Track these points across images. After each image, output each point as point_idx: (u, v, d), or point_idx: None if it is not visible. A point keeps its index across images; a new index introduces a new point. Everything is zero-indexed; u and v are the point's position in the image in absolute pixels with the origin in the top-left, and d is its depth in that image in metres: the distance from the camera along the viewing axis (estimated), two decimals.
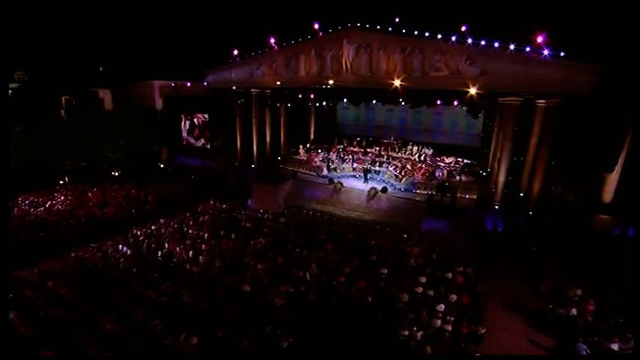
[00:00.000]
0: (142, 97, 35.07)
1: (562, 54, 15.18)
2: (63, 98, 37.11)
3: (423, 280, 13.29)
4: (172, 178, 28.99)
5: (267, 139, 26.31)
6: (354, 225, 19.51)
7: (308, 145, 25.87)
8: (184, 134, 31.69)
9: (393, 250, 15.56)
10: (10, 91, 36.69)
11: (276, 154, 26.16)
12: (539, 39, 15.01)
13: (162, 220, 19.67)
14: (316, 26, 19.34)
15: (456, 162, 22.81)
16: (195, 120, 31.02)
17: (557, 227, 17.27)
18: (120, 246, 16.81)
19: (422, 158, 23.86)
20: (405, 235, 17.95)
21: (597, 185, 17.43)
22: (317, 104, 27.13)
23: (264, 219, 19.51)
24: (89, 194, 24.53)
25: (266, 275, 14.07)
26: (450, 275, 13.53)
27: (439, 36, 16.45)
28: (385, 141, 26.24)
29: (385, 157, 24.52)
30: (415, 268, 14.18)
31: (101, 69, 41.42)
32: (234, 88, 25.27)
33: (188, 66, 29.45)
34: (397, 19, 17.59)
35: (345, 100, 24.19)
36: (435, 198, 19.20)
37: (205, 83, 27.00)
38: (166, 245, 16.69)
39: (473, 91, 16.33)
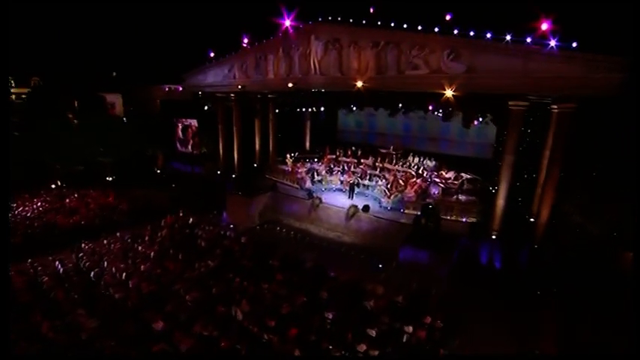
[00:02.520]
0: (149, 102, 34.50)
1: (574, 44, 11.68)
2: (74, 102, 37.29)
3: (373, 333, 10.41)
4: (162, 185, 27.66)
5: (257, 146, 24.21)
6: (325, 248, 16.83)
7: (296, 154, 23.42)
8: (178, 139, 30.40)
9: (351, 287, 12.74)
10: (23, 96, 37.46)
11: (263, 163, 23.96)
12: (544, 26, 11.64)
13: (118, 234, 17.99)
14: (284, 22, 16.79)
15: (457, 177, 19.42)
16: (185, 125, 29.66)
17: (571, 265, 13.69)
18: (57, 262, 15.22)
19: (420, 171, 20.68)
20: (380, 265, 15.03)
21: (629, 215, 13.68)
22: (310, 110, 24.65)
23: (225, 237, 17.28)
24: (67, 200, 23.51)
25: (191, 309, 11.82)
26: (410, 329, 10.52)
27: (417, 27, 13.36)
28: (383, 151, 23.28)
29: (378, 169, 21.57)
30: (369, 315, 11.30)
31: (114, 74, 41.39)
32: (216, 93, 23.49)
33: (181, 68, 28.07)
34: (371, 10, 14.74)
35: (314, 106, 21.53)
36: (423, 221, 16.09)
37: (181, 88, 25.52)
38: (105, 264, 14.92)
39: (449, 93, 13.15)
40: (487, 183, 19.07)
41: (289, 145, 25.27)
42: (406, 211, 17.62)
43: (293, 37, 17.25)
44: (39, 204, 23.11)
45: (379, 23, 14.31)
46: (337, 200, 19.47)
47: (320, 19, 16.22)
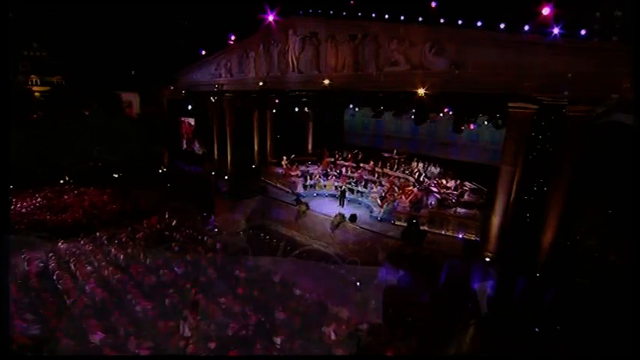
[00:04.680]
0: (160, 101, 34.65)
1: (583, 32, 9.77)
2: (92, 100, 38.16)
3: None
4: (163, 184, 27.44)
5: (255, 147, 23.34)
6: (305, 259, 15.60)
7: (292, 156, 22.31)
8: (184, 139, 30.17)
9: (315, 308, 11.46)
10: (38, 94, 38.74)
11: (261, 165, 23.05)
12: (546, 11, 9.83)
13: (98, 234, 17.63)
14: (265, 17, 15.58)
15: (459, 186, 17.57)
16: (189, 124, 29.37)
17: (581, 298, 11.70)
18: (25, 262, 14.94)
19: (422, 179, 18.98)
20: (358, 284, 13.63)
21: None
22: (315, 109, 23.50)
23: (201, 241, 16.45)
24: (65, 197, 23.64)
25: (137, 321, 11.01)
26: None
27: (396, 17, 11.77)
28: (386, 155, 21.71)
29: (376, 175, 20.05)
30: (323, 344, 9.98)
31: (133, 72, 42.03)
32: (205, 92, 22.94)
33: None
34: (351, 1, 13.28)
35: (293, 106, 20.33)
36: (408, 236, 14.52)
37: (172, 87, 25.21)
38: (72, 266, 14.49)
39: (421, 91, 11.47)
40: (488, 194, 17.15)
41: (291, 147, 24.26)
42: (397, 223, 16.07)
43: (272, 33, 16.17)
44: (38, 199, 23.36)
45: (359, 15, 12.89)
46: (326, 207, 18.17)
47: (300, 13, 15.00)
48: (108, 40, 38.81)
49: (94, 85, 38.08)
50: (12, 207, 22.11)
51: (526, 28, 10.26)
